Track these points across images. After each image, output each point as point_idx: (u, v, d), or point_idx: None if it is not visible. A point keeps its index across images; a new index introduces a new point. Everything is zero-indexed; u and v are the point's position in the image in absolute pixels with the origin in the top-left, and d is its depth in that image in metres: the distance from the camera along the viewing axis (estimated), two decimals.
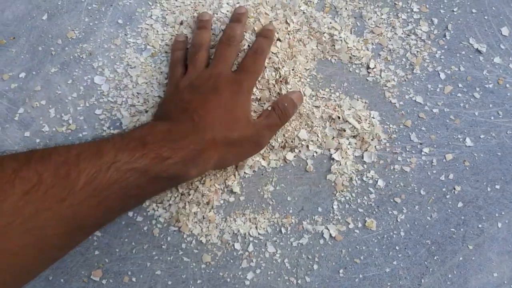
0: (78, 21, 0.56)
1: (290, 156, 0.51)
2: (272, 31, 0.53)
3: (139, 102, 0.52)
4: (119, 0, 0.57)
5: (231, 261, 0.47)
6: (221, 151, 0.44)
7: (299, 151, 0.51)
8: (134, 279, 0.47)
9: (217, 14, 0.55)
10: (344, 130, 0.50)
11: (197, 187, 0.49)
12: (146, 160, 0.38)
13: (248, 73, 0.49)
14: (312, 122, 0.51)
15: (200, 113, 0.44)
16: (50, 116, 0.52)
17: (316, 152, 0.51)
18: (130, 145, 0.38)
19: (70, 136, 0.51)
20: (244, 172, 0.50)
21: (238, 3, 0.57)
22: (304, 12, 0.57)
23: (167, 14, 0.57)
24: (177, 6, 0.57)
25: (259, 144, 0.48)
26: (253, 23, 0.54)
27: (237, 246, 0.48)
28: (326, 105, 0.52)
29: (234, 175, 0.50)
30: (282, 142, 0.51)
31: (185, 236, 0.48)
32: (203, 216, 0.49)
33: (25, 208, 0.32)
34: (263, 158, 0.50)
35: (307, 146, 0.51)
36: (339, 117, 0.51)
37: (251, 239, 0.48)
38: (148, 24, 0.56)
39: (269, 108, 0.49)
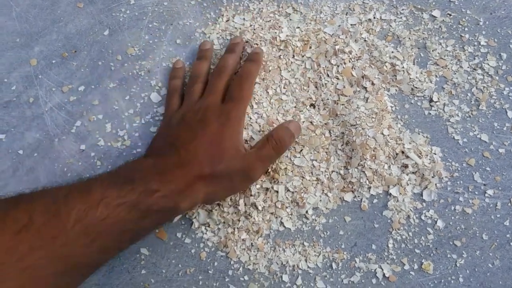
0: (138, 38, 0.56)
1: (348, 197, 0.49)
2: (260, 54, 0.52)
3: None
4: (179, 20, 0.57)
5: None
6: (209, 184, 0.43)
7: (359, 191, 0.49)
8: None
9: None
10: (406, 167, 0.48)
11: (248, 214, 0.47)
12: (135, 195, 0.38)
13: (234, 102, 0.47)
14: (380, 160, 0.49)
15: (187, 147, 0.43)
16: (106, 131, 0.52)
17: (376, 192, 0.49)
18: (118, 181, 0.39)
19: (125, 152, 0.51)
20: (305, 213, 0.48)
21: (298, 27, 0.56)
22: (365, 40, 0.55)
23: (226, 36, 0.56)
24: (235, 28, 0.56)
25: (249, 177, 0.46)
26: (317, 47, 0.53)
27: (285, 278, 0.46)
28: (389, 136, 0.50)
29: (288, 211, 0.48)
30: (344, 187, 0.49)
31: (232, 262, 0.47)
32: (252, 243, 0.47)
33: (18, 247, 0.32)
34: (320, 200, 0.49)
35: (369, 188, 0.49)
36: (402, 152, 0.49)
37: (300, 272, 0.46)
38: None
39: (264, 139, 0.47)
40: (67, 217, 0.35)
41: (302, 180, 0.48)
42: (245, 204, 0.48)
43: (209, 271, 0.47)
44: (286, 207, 0.48)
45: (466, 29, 0.56)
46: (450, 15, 0.56)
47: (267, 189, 0.48)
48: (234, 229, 0.48)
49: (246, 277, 0.46)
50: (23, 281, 0.32)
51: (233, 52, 0.52)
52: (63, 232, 0.34)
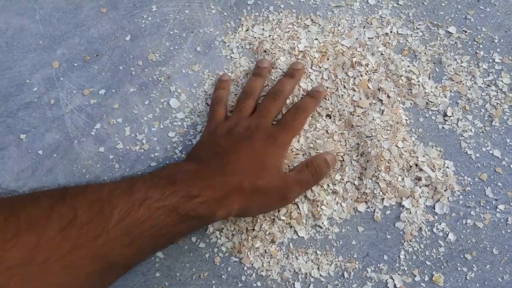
0: (159, 45, 0.58)
1: (362, 207, 0.50)
2: (321, 93, 0.53)
3: None
4: (200, 28, 0.58)
5: None
6: (246, 196, 0.43)
7: (372, 202, 0.50)
8: None
9: (279, 59, 0.55)
10: (420, 179, 0.49)
11: (261, 225, 0.48)
12: (176, 198, 0.38)
13: (284, 128, 0.49)
14: (394, 172, 0.50)
15: (230, 157, 0.44)
16: (125, 134, 0.53)
17: (389, 203, 0.49)
18: (160, 182, 0.39)
19: (142, 156, 0.52)
20: (321, 224, 0.49)
21: (316, 39, 0.57)
22: (382, 53, 0.56)
23: (246, 45, 0.57)
24: (254, 38, 0.58)
25: (285, 197, 0.46)
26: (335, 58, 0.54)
27: (297, 285, 0.47)
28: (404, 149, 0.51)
29: (303, 223, 0.49)
30: (358, 197, 0.50)
31: (245, 268, 0.48)
32: (265, 250, 0.48)
33: (61, 244, 0.32)
34: (334, 210, 0.49)
35: (382, 200, 0.49)
36: (416, 165, 0.50)
37: (312, 280, 0.47)
38: (225, 55, 0.57)
39: (303, 164, 0.49)
40: (110, 216, 0.35)
41: (321, 188, 0.49)
42: (263, 216, 0.49)
43: (223, 276, 0.48)
44: (302, 219, 0.49)
45: (481, 46, 0.57)
46: (466, 31, 0.57)
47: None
48: (248, 236, 0.48)
49: (258, 283, 0.47)
50: (66, 279, 0.33)
51: (292, 77, 0.53)
52: (104, 231, 0.34)
